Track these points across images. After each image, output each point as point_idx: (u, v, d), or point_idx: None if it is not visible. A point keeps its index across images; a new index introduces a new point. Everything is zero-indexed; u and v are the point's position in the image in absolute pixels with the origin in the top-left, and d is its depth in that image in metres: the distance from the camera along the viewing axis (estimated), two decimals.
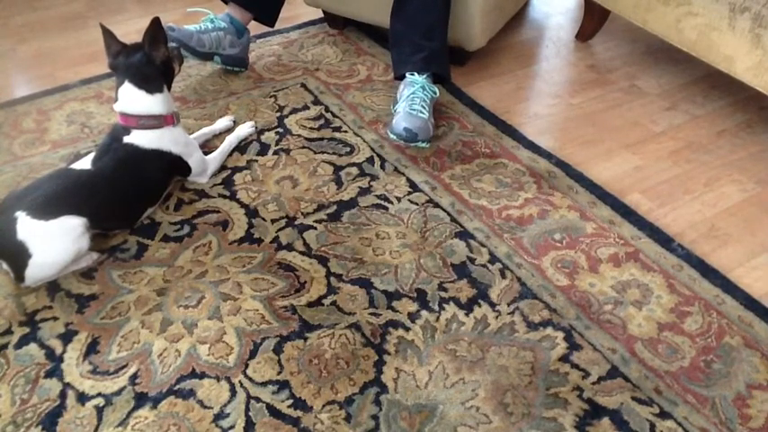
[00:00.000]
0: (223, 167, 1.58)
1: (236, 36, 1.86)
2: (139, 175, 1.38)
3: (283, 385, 1.12)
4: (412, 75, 1.68)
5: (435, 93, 1.69)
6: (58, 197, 1.25)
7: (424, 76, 1.68)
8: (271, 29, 2.05)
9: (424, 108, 1.63)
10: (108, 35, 1.39)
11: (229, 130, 1.68)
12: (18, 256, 1.21)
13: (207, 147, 1.62)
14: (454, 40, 1.83)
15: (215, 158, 1.56)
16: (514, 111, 1.83)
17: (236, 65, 1.91)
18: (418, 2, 1.67)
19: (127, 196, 1.37)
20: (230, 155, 1.61)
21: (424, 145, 1.63)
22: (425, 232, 1.42)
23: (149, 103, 1.39)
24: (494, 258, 1.36)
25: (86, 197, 1.28)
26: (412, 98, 1.64)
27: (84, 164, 1.34)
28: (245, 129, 1.67)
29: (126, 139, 1.37)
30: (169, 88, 1.45)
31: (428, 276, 1.32)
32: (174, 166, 1.45)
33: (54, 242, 1.22)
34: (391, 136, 1.64)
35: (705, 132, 1.77)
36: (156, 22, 1.36)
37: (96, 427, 1.05)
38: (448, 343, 1.20)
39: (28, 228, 1.20)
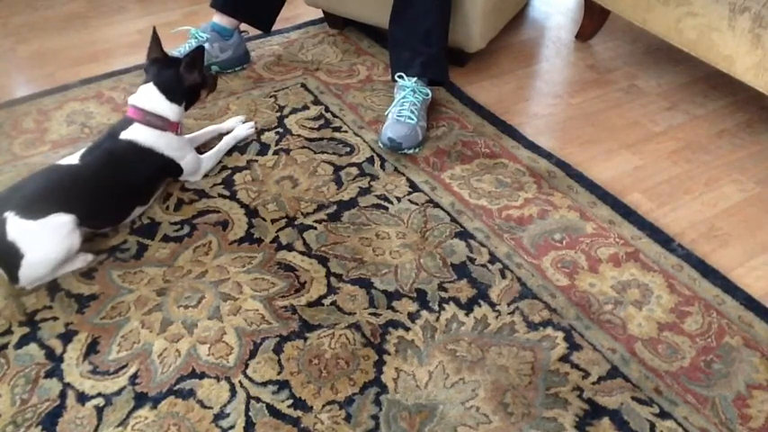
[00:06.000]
0: (223, 167, 1.58)
1: (222, 40, 1.86)
2: (127, 172, 1.37)
3: (283, 385, 1.12)
4: (401, 78, 1.68)
5: (427, 95, 1.68)
6: (45, 195, 1.25)
7: (414, 79, 1.67)
8: (266, 33, 2.03)
9: (413, 113, 1.62)
10: (154, 40, 1.47)
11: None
12: (10, 257, 1.20)
13: (207, 146, 1.62)
14: (454, 41, 1.82)
15: (209, 157, 1.56)
16: (514, 111, 1.83)
17: (235, 65, 1.92)
18: (418, 7, 1.65)
19: (113, 193, 1.36)
20: (230, 155, 1.61)
21: (411, 152, 1.62)
22: (425, 232, 1.42)
23: (163, 106, 1.42)
24: (494, 258, 1.36)
25: (74, 193, 1.28)
26: (401, 103, 1.64)
27: (72, 159, 1.34)
28: (243, 130, 1.67)
29: (123, 135, 1.38)
30: (186, 108, 1.49)
31: (428, 276, 1.32)
32: (165, 167, 1.45)
33: (44, 241, 1.22)
34: (379, 144, 1.64)
35: (705, 132, 1.77)
36: (199, 51, 1.44)
37: (96, 427, 1.05)
38: (448, 343, 1.20)
39: (18, 228, 1.19)
